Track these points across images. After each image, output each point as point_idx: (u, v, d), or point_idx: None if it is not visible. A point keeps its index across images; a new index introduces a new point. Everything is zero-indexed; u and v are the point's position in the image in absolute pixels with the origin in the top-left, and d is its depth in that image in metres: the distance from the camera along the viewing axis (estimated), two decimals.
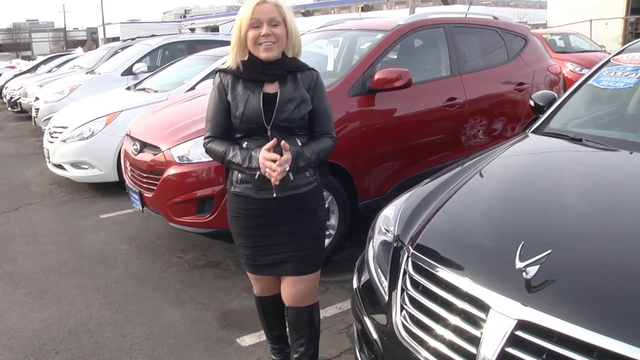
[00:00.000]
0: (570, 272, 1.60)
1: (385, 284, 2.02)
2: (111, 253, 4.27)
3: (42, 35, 77.41)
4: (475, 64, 4.98)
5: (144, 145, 3.95)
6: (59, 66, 13.05)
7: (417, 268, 1.88)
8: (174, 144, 3.67)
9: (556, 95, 3.46)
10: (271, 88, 2.10)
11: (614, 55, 3.28)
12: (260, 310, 2.52)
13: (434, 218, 2.05)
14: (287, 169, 2.02)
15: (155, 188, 3.74)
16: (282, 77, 2.10)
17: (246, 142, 2.12)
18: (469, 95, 4.67)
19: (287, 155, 2.00)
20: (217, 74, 2.17)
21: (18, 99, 11.33)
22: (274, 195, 2.12)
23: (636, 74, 3.04)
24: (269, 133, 2.09)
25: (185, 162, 3.59)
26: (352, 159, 3.88)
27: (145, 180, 3.87)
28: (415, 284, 1.85)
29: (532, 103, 3.51)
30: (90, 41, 46.77)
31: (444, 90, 4.56)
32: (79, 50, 18.01)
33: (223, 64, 2.20)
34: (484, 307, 1.58)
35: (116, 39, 29.47)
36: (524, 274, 1.58)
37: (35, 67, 15.39)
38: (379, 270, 2.14)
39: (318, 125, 2.19)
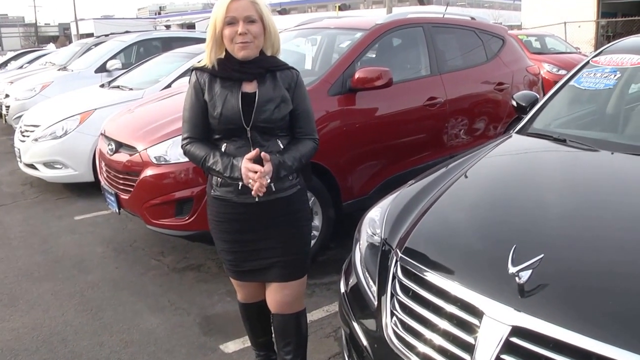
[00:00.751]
0: (563, 276, 1.58)
1: (374, 288, 1.98)
2: (87, 256, 4.15)
3: (12, 30, 75.42)
4: (454, 63, 4.99)
5: (120, 145, 3.84)
6: (30, 62, 12.74)
7: (407, 272, 1.84)
8: (150, 144, 3.57)
9: (538, 96, 3.48)
10: (250, 87, 2.04)
11: (593, 57, 3.31)
12: (244, 317, 2.45)
13: (421, 220, 2.02)
14: (269, 180, 1.96)
15: (132, 190, 3.64)
16: (261, 76, 2.04)
17: (225, 144, 2.05)
18: (449, 95, 4.68)
19: (268, 167, 1.95)
20: (193, 72, 2.09)
21: None
22: (257, 199, 2.05)
23: (615, 76, 3.07)
24: (248, 135, 2.02)
25: (163, 162, 3.49)
26: (334, 158, 3.84)
27: (121, 181, 3.76)
28: (405, 289, 1.82)
29: (514, 103, 3.51)
30: (62, 37, 45.74)
31: (424, 89, 4.55)
32: (51, 46, 17.53)
33: (199, 61, 2.11)
34: (477, 313, 1.55)
35: (90, 35, 28.89)
36: (516, 278, 1.56)
37: (5, 63, 14.98)
38: (366, 273, 2.10)
39: (299, 126, 2.12)
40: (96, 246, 4.35)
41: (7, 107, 8.38)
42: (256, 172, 1.91)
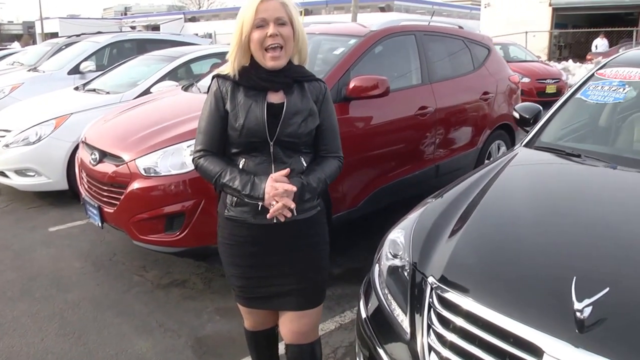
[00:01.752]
0: (627, 311, 1.47)
1: (402, 317, 1.84)
2: (64, 272, 3.88)
3: None
4: (444, 72, 4.93)
5: (104, 155, 3.59)
6: None
7: (445, 303, 1.70)
8: (139, 154, 3.34)
9: (541, 108, 3.41)
10: (276, 98, 1.87)
11: (597, 70, 3.26)
12: (252, 345, 2.27)
13: (456, 244, 1.89)
14: (292, 206, 1.80)
15: (117, 203, 3.40)
16: (288, 87, 1.88)
17: (243, 159, 1.88)
18: (439, 104, 4.61)
19: (292, 187, 1.79)
20: (215, 79, 1.92)
21: None
22: (274, 220, 1.87)
23: (624, 89, 3.03)
24: (271, 149, 1.86)
25: (153, 174, 3.27)
26: None
27: (105, 193, 3.51)
28: (444, 321, 1.68)
29: (516, 115, 3.44)
30: (27, 35, 44.24)
31: (415, 98, 4.48)
32: (15, 45, 16.87)
33: (220, 68, 1.94)
34: (536, 352, 1.43)
35: (54, 35, 28.08)
36: (578, 313, 1.44)
37: None
38: (389, 297, 1.97)
39: (324, 144, 1.97)
40: (74, 261, 4.08)
41: None
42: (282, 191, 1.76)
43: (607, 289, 1.46)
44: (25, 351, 2.95)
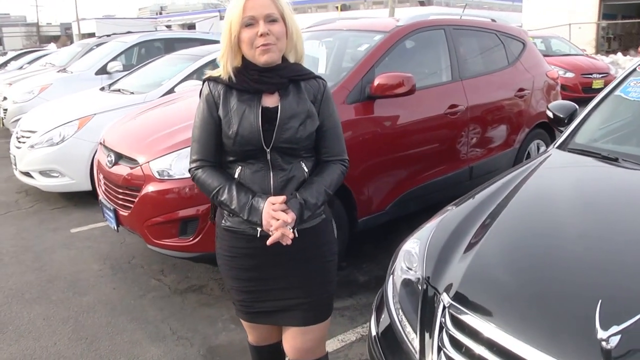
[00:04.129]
0: None
1: (413, 336, 1.68)
2: (82, 275, 3.84)
3: (14, 30, 75.10)
4: (476, 68, 4.70)
5: (120, 157, 3.53)
6: (30, 63, 12.41)
7: (458, 324, 1.53)
8: (153, 156, 3.26)
9: (577, 107, 3.18)
10: (271, 101, 1.72)
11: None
12: None
13: (473, 258, 1.71)
14: (291, 230, 1.66)
15: (132, 206, 3.33)
16: (284, 87, 1.73)
17: (239, 167, 1.74)
18: (470, 102, 4.38)
19: (291, 216, 1.65)
20: (206, 83, 1.77)
21: None
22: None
23: None
24: (268, 157, 1.72)
25: (166, 177, 3.18)
26: (350, 170, 3.53)
27: (120, 196, 3.44)
28: (457, 344, 1.51)
29: (550, 114, 3.22)
30: (64, 37, 45.52)
31: (445, 96, 4.26)
32: (52, 46, 17.22)
33: (213, 71, 1.79)
34: None
35: (91, 35, 28.64)
36: (604, 343, 1.26)
37: (4, 64, 14.66)
38: (401, 314, 1.81)
39: (325, 146, 1.80)
40: (93, 263, 4.04)
41: (5, 110, 8.08)
42: (278, 220, 1.62)
43: (638, 316, 1.27)
44: (38, 354, 2.91)
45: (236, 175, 1.74)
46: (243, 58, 1.71)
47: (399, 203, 3.90)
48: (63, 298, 3.51)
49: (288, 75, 1.73)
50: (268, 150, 1.70)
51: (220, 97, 1.73)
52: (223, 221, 1.82)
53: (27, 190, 5.88)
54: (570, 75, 11.38)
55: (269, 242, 1.65)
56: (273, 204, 1.65)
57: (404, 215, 4.03)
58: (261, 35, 1.64)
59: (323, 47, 4.84)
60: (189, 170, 1.80)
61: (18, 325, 3.21)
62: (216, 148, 1.76)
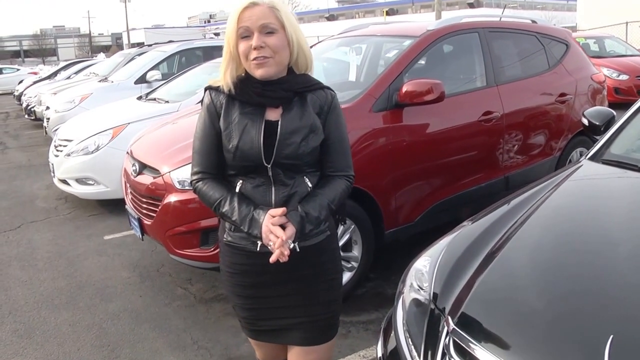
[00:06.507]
0: None
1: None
2: (111, 282, 3.89)
3: (68, 40, 78.29)
4: (513, 73, 4.52)
5: (144, 167, 3.55)
6: (77, 72, 12.85)
7: (460, 350, 1.43)
8: (174, 166, 3.26)
9: (615, 114, 2.98)
10: (274, 115, 1.65)
11: None
12: None
13: (480, 279, 1.60)
14: (291, 246, 1.60)
15: (154, 215, 3.34)
16: (287, 101, 1.66)
17: (240, 181, 1.68)
18: (506, 109, 4.21)
19: (290, 231, 1.58)
20: (207, 92, 1.71)
21: (33, 106, 11.13)
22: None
23: None
24: (269, 173, 1.65)
25: (187, 187, 3.17)
26: (376, 180, 3.44)
27: (144, 205, 3.47)
28: None
29: (585, 121, 3.04)
30: (115, 46, 47.07)
31: (479, 103, 4.10)
32: (101, 56, 17.79)
33: (215, 79, 1.73)
34: None
35: (141, 44, 29.47)
36: None
37: (55, 74, 15.23)
38: (409, 339, 1.71)
39: (330, 160, 1.71)
40: (122, 270, 4.09)
41: (48, 119, 8.36)
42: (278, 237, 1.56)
43: None
44: None
45: (237, 189, 1.69)
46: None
47: (429, 214, 3.77)
48: (90, 305, 3.56)
49: (293, 89, 1.66)
50: (269, 166, 1.64)
51: (222, 107, 1.67)
52: (225, 236, 1.77)
53: (66, 197, 6.04)
54: (624, 77, 10.87)
55: (271, 260, 1.58)
56: (273, 217, 1.59)
57: (437, 227, 3.90)
58: (255, 48, 1.57)
59: (353, 54, 4.77)
60: (191, 183, 1.76)
61: (45, 330, 3.27)
62: (218, 160, 1.70)
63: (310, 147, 1.65)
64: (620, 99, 10.24)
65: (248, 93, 1.64)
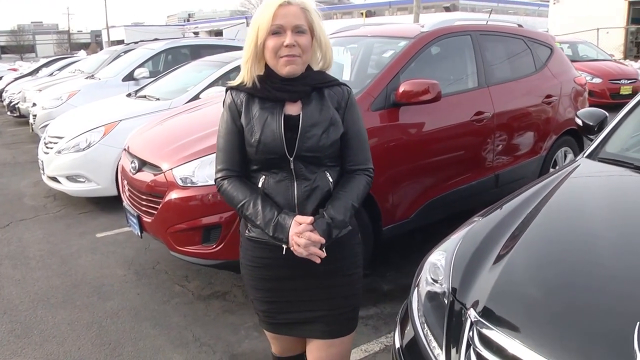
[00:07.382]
0: None
1: (439, 352, 1.64)
2: (107, 280, 3.87)
3: (46, 37, 76.91)
4: (502, 74, 4.63)
5: (143, 164, 3.55)
6: (60, 69, 12.65)
7: (486, 342, 1.48)
8: (176, 163, 3.26)
9: (607, 114, 3.09)
10: (293, 109, 1.70)
11: None
12: None
13: (502, 272, 1.66)
14: (322, 256, 1.65)
15: (155, 212, 3.34)
16: (306, 95, 1.71)
17: (263, 177, 1.72)
18: (497, 109, 4.31)
19: (317, 236, 1.63)
20: (228, 92, 1.77)
21: (17, 103, 10.93)
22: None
23: None
24: (291, 166, 1.69)
25: (189, 184, 3.18)
26: (375, 178, 3.49)
27: (144, 202, 3.46)
28: None
29: (579, 122, 3.14)
30: (94, 44, 46.51)
31: (471, 103, 4.19)
32: (82, 53, 17.54)
33: (234, 80, 1.78)
34: None
35: (120, 42, 29.16)
36: None
37: (36, 70, 14.98)
38: (426, 328, 1.76)
39: (350, 154, 1.77)
40: (117, 268, 4.07)
41: (34, 115, 8.24)
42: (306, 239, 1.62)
43: None
44: (62, 359, 2.92)
45: (260, 185, 1.72)
46: (266, 65, 1.70)
47: (424, 211, 3.85)
48: (87, 303, 3.54)
49: (311, 83, 1.71)
50: (291, 158, 1.68)
51: (243, 104, 1.72)
52: (247, 231, 1.80)
53: (55, 195, 5.97)
54: (597, 81, 11.19)
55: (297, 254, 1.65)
56: (300, 224, 1.63)
57: (430, 224, 3.98)
58: (287, 45, 1.62)
59: (348, 54, 4.82)
60: (215, 181, 1.79)
61: (43, 329, 3.24)
62: (241, 157, 1.74)
63: (330, 140, 1.70)
64: (593, 101, 10.53)
65: (267, 89, 1.70)
